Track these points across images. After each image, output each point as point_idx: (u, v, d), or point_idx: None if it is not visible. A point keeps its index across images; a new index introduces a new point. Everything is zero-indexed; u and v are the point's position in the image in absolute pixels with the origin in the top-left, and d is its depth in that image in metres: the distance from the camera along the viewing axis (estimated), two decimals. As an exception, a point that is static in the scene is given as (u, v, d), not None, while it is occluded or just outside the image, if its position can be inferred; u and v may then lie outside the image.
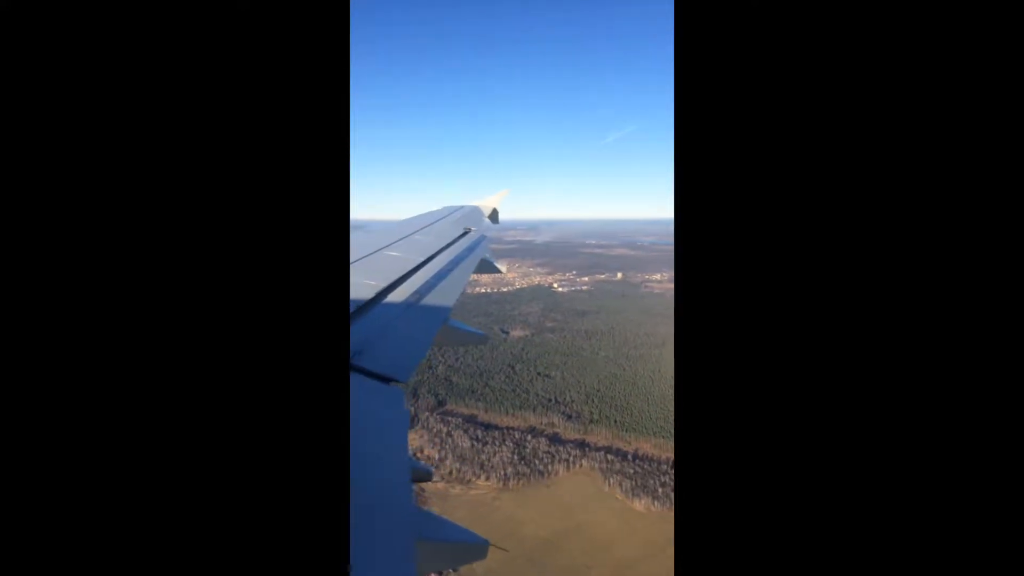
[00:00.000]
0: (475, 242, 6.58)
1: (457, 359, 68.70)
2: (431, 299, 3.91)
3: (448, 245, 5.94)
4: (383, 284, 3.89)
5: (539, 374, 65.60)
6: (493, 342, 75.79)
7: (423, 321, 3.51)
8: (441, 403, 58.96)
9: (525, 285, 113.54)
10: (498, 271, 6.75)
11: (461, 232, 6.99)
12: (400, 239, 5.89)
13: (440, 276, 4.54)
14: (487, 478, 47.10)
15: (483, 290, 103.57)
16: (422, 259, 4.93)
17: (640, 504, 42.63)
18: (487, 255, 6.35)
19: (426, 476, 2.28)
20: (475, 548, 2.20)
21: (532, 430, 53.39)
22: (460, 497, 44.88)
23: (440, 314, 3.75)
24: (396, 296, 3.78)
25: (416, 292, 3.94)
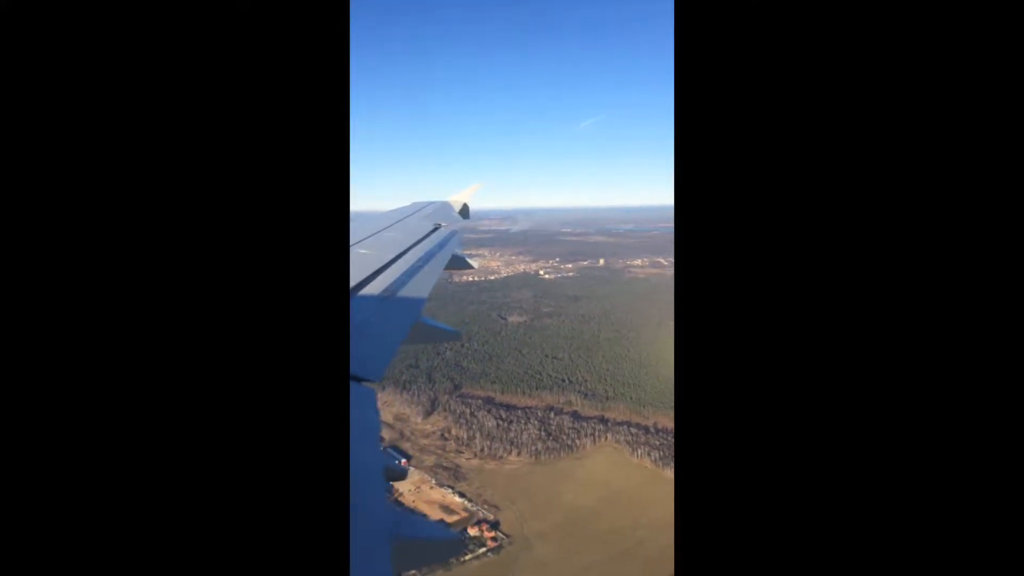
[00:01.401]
0: (446, 238, 6.55)
1: (462, 345, 70.23)
2: (402, 296, 3.90)
3: (418, 241, 5.93)
4: (352, 282, 3.87)
5: (547, 356, 67.82)
6: (495, 327, 77.78)
7: (394, 319, 3.50)
8: (457, 387, 60.64)
9: (511, 273, 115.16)
10: (470, 266, 6.81)
11: (431, 228, 6.98)
12: (369, 236, 5.92)
13: (410, 273, 4.50)
14: (518, 454, 49.35)
15: (470, 278, 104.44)
16: (392, 256, 4.91)
17: (672, 472, 45.53)
18: (458, 250, 6.33)
19: (400, 475, 2.18)
20: (451, 544, 2.23)
21: (552, 409, 55.73)
22: (496, 472, 46.99)
23: (412, 312, 3.75)
24: (366, 294, 3.78)
25: (386, 289, 3.93)
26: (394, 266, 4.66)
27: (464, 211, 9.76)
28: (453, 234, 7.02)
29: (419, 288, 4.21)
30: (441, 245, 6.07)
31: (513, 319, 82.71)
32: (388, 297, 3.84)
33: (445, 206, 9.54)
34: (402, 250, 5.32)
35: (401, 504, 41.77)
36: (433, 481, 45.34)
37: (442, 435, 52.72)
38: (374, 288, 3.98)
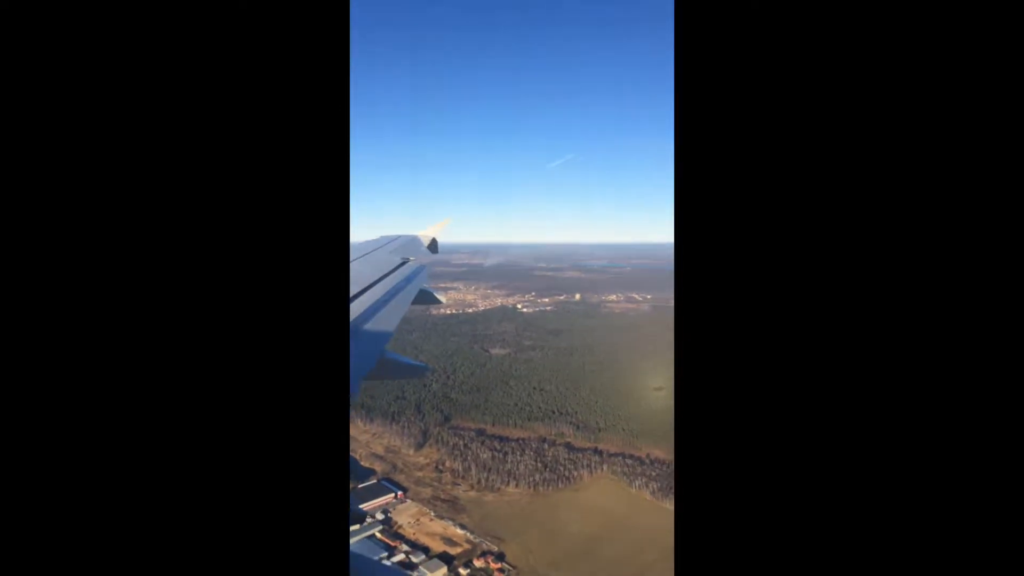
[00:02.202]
0: (414, 272, 6.44)
1: (449, 376, 70.14)
2: (367, 330, 3.84)
3: (386, 275, 5.80)
4: None
5: (535, 388, 68.02)
6: (479, 359, 77.82)
7: (359, 354, 3.40)
8: (447, 418, 60.26)
9: (489, 306, 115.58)
10: (438, 301, 6.72)
11: (399, 262, 6.83)
12: None
13: (376, 307, 4.41)
14: (516, 485, 49.12)
15: (449, 311, 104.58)
16: (357, 290, 4.82)
17: (672, 504, 45.98)
18: (426, 285, 6.20)
19: (359, 518, 2.14)
20: None
21: (545, 440, 55.81)
22: (495, 503, 46.64)
23: (377, 346, 3.69)
24: None
25: (351, 323, 3.85)
26: (360, 299, 4.57)
27: (433, 246, 9.62)
28: (421, 268, 6.91)
29: (385, 322, 4.16)
30: (409, 279, 5.98)
31: (496, 351, 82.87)
32: (353, 331, 3.74)
33: (414, 240, 9.34)
34: (368, 284, 5.21)
35: (400, 537, 41.03)
36: (432, 513, 44.65)
37: (436, 467, 52.09)
38: None
